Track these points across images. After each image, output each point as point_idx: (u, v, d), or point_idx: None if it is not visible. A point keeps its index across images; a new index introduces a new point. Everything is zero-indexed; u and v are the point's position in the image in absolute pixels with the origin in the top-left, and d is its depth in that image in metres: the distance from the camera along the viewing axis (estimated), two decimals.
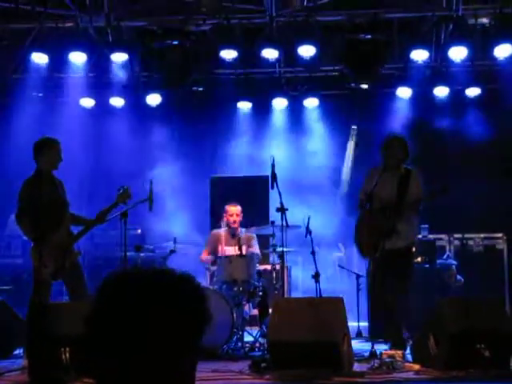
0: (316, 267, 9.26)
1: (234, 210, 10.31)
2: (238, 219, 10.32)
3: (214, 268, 9.77)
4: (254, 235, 10.35)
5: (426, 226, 11.14)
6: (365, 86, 12.32)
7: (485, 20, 11.23)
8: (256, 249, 10.20)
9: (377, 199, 8.28)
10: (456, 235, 11.53)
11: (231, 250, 9.64)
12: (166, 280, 1.83)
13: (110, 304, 1.79)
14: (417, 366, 7.09)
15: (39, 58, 11.30)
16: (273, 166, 9.09)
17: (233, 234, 10.28)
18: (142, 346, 1.73)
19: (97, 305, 1.82)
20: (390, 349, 7.94)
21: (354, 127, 12.95)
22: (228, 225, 10.38)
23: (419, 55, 11.35)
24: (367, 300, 10.38)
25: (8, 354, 8.95)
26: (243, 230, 10.30)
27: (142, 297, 1.77)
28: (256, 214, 11.40)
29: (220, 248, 10.05)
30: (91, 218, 8.62)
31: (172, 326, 1.76)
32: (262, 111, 13.04)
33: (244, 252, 9.35)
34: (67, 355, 6.60)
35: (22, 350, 8.51)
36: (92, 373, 1.80)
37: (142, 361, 1.73)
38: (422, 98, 12.54)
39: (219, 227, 10.65)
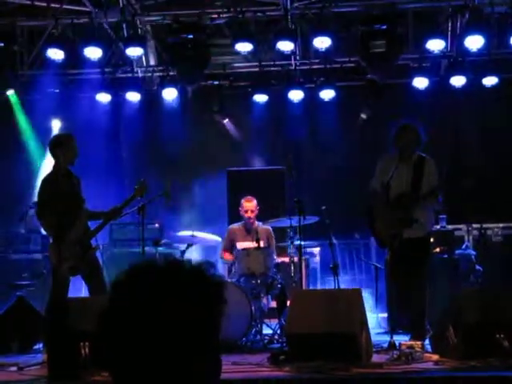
0: (334, 259, 9.27)
1: (248, 206, 10.28)
2: (254, 214, 10.29)
3: (231, 261, 9.78)
4: (271, 229, 10.32)
5: (444, 216, 11.10)
6: (363, 116, 12.45)
7: (501, 8, 11.17)
8: (272, 246, 10.14)
9: (392, 189, 8.26)
10: (474, 225, 11.48)
11: (247, 245, 9.63)
12: (178, 272, 1.82)
13: (123, 299, 1.78)
14: (436, 357, 7.07)
15: (55, 54, 11.32)
16: (289, 158, 9.09)
17: (248, 229, 10.27)
18: (156, 340, 1.73)
19: (110, 300, 1.82)
20: (410, 340, 7.93)
21: (363, 116, 12.84)
22: (244, 219, 10.38)
23: (435, 45, 11.28)
24: (386, 291, 10.36)
25: (28, 348, 9.01)
26: (260, 223, 10.28)
27: (154, 291, 1.76)
28: (272, 206, 11.36)
29: (237, 243, 10.05)
30: (108, 212, 8.66)
31: (185, 319, 1.76)
32: (277, 103, 13.01)
33: (262, 245, 9.35)
34: (86, 350, 6.65)
35: (41, 345, 8.57)
36: (108, 368, 1.81)
37: (156, 356, 1.73)
38: (439, 88, 12.47)
39: (238, 220, 10.64)
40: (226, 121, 13.07)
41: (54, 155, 8.48)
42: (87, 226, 8.57)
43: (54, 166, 8.47)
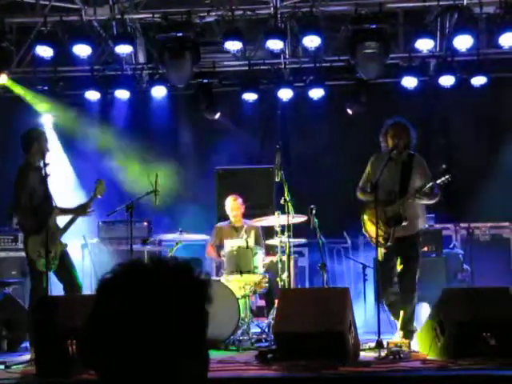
0: (322, 258, 9.28)
1: (234, 205, 10.32)
2: (239, 213, 10.32)
3: (219, 260, 9.77)
4: (259, 227, 10.32)
5: (433, 215, 11.12)
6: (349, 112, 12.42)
7: (490, 8, 11.19)
8: (261, 244, 10.13)
9: (382, 187, 8.26)
10: (462, 224, 11.52)
11: (235, 243, 9.63)
12: (164, 271, 1.81)
13: (109, 299, 1.78)
14: (423, 355, 7.10)
15: (44, 51, 11.28)
16: (277, 156, 9.10)
17: (235, 227, 10.29)
18: (142, 340, 1.73)
19: (96, 299, 1.82)
20: (397, 338, 7.95)
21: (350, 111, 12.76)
22: (229, 218, 10.39)
23: (424, 45, 11.30)
24: (374, 289, 10.37)
25: (15, 347, 9.00)
26: (247, 221, 10.28)
27: (140, 290, 1.76)
28: (261, 205, 11.37)
29: (224, 241, 10.05)
30: (75, 209, 8.76)
31: (171, 318, 1.76)
32: (267, 102, 13.01)
33: (250, 243, 9.35)
34: (74, 347, 6.63)
35: (28, 343, 8.55)
36: (94, 367, 1.80)
37: (143, 355, 1.73)
38: (428, 88, 12.49)
39: (226, 219, 10.65)
40: (217, 115, 13.04)
41: (27, 149, 8.55)
42: (56, 222, 8.63)
43: (27, 160, 8.56)
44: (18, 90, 12.49)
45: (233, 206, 10.34)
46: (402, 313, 8.37)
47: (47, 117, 13.00)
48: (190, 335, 1.79)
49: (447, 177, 8.17)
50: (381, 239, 8.30)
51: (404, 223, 8.29)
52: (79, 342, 6.25)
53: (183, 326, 1.77)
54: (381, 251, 8.40)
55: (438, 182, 8.23)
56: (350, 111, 12.63)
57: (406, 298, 8.41)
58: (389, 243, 8.31)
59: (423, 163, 8.59)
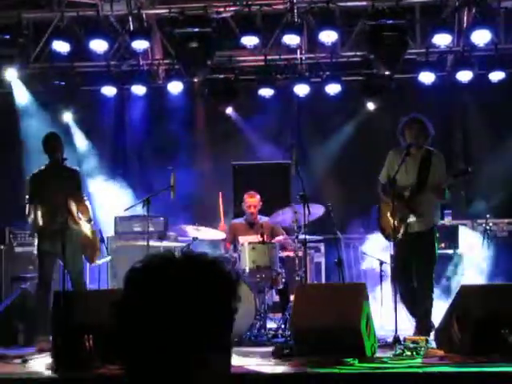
0: (339, 253, 9.27)
1: (251, 202, 10.30)
2: (256, 209, 10.31)
3: (235, 255, 9.76)
4: (275, 223, 10.27)
5: (450, 211, 11.07)
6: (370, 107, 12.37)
7: (508, 3, 11.12)
8: (280, 238, 10.11)
9: (399, 182, 8.24)
10: (479, 220, 11.45)
11: (250, 239, 9.62)
12: (197, 267, 1.81)
13: (140, 292, 1.77)
14: (440, 352, 7.06)
15: (60, 47, 11.30)
16: (294, 153, 9.09)
17: (251, 224, 10.28)
18: (171, 334, 1.72)
19: (127, 292, 1.80)
20: (415, 334, 7.92)
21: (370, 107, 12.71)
22: (246, 215, 10.39)
23: (442, 40, 11.25)
24: (391, 285, 10.34)
25: (33, 341, 9.02)
26: (265, 218, 10.26)
27: (172, 285, 1.76)
28: (277, 200, 11.34)
29: (239, 238, 10.04)
30: None
31: (201, 314, 1.75)
32: (283, 98, 12.99)
33: (266, 239, 9.34)
34: (91, 342, 6.65)
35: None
36: (121, 361, 1.80)
37: (170, 349, 1.73)
38: (445, 83, 12.43)
39: (243, 214, 10.64)
40: (229, 109, 13.04)
41: (53, 151, 8.90)
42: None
43: (51, 161, 8.90)
44: None
45: (251, 202, 10.32)
46: (418, 311, 8.35)
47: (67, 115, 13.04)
48: (219, 331, 1.79)
49: (468, 177, 8.15)
50: (393, 232, 8.25)
51: (415, 218, 8.27)
52: (103, 336, 6.28)
53: (213, 321, 1.77)
54: (395, 245, 8.38)
55: (458, 180, 8.22)
56: (371, 106, 12.61)
57: (423, 295, 8.38)
58: (399, 236, 8.27)
59: (442, 160, 8.55)
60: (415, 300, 8.42)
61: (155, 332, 1.73)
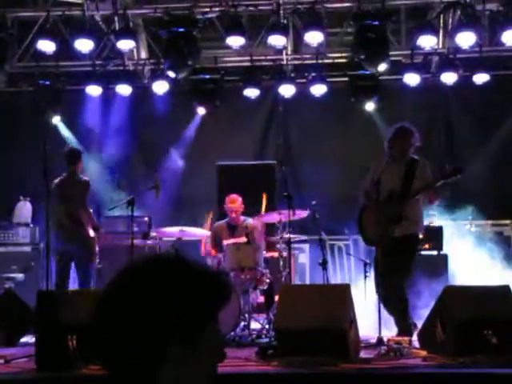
0: (323, 254, 9.27)
1: (232, 207, 10.27)
2: (239, 211, 10.29)
3: (220, 255, 9.75)
4: (259, 224, 10.28)
5: (434, 212, 11.11)
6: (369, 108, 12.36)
7: (492, 6, 11.18)
8: (258, 240, 10.10)
9: (383, 188, 8.24)
10: (464, 222, 11.50)
11: (233, 241, 9.60)
12: (187, 269, 1.81)
13: (126, 293, 1.78)
14: (424, 353, 7.09)
15: (46, 46, 11.27)
16: (279, 152, 9.09)
17: (233, 226, 10.27)
18: (156, 335, 1.72)
19: (115, 292, 1.80)
20: (397, 335, 7.94)
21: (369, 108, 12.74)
22: (229, 218, 10.38)
23: (427, 42, 11.29)
24: (375, 286, 10.37)
25: (15, 341, 8.98)
26: (248, 218, 10.25)
27: (160, 286, 1.76)
28: (261, 201, 11.34)
29: (223, 240, 10.02)
30: None
31: (191, 314, 1.76)
32: (269, 98, 12.99)
33: (250, 240, 9.34)
34: (74, 342, 6.63)
35: (30, 338, 8.55)
36: (102, 361, 1.79)
37: (154, 349, 1.73)
38: (430, 85, 12.48)
39: (226, 215, 10.63)
40: (201, 110, 13.05)
41: (76, 164, 9.87)
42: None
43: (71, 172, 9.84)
44: None
45: (232, 208, 10.30)
46: (394, 312, 8.37)
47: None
48: (206, 331, 1.80)
49: (458, 176, 8.16)
50: (378, 238, 8.25)
51: (402, 222, 8.28)
52: (87, 336, 6.26)
53: (202, 321, 1.78)
54: (379, 249, 8.38)
55: (448, 180, 8.22)
56: (368, 108, 12.64)
57: (397, 297, 8.37)
58: (384, 241, 8.27)
59: (426, 167, 8.55)
60: (395, 300, 8.41)
61: (139, 330, 1.73)
